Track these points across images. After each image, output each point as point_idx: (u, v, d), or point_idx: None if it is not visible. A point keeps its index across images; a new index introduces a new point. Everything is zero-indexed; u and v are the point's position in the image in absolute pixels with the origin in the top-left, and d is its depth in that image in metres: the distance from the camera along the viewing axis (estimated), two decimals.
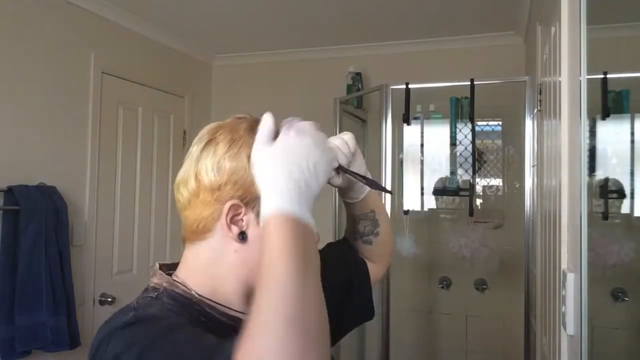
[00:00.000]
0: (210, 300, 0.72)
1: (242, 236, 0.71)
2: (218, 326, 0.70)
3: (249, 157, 0.70)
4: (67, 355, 2.13)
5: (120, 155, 2.66)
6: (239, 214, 0.71)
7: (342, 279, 0.95)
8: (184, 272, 0.75)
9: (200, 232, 0.73)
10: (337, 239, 1.04)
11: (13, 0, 2.13)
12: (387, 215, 1.00)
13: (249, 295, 0.75)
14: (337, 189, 0.90)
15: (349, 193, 0.92)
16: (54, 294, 2.06)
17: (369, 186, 0.89)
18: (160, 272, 0.77)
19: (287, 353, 0.50)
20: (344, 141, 0.87)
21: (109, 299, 2.52)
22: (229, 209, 0.70)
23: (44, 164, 2.24)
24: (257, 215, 0.71)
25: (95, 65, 2.51)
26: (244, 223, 0.72)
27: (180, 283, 0.74)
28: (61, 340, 2.06)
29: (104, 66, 2.56)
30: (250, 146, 0.71)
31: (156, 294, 0.72)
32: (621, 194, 1.86)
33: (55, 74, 2.31)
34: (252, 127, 0.73)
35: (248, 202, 0.71)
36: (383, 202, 0.99)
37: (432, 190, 2.56)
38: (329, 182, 0.84)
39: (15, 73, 2.14)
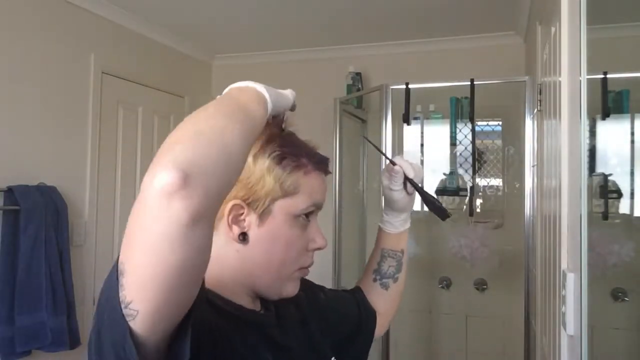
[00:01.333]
0: (217, 293, 0.73)
1: (243, 237, 0.71)
2: (224, 315, 0.70)
3: (254, 156, 0.70)
4: (67, 355, 2.13)
5: (120, 155, 2.66)
6: (241, 214, 0.71)
7: (351, 324, 0.95)
8: None
9: None
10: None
11: (13, 0, 2.13)
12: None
13: (253, 295, 0.76)
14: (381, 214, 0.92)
15: (394, 218, 0.92)
16: (54, 294, 2.06)
17: (428, 204, 0.89)
18: None
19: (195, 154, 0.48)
20: (409, 163, 0.89)
21: None
22: (231, 209, 0.70)
23: (44, 164, 2.24)
24: (260, 216, 0.71)
25: (95, 65, 2.51)
26: (245, 224, 0.71)
27: None
28: (61, 340, 2.06)
29: (104, 66, 2.56)
30: (256, 146, 0.70)
31: None
32: (619, 194, 1.86)
33: (55, 74, 2.31)
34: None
35: (250, 203, 0.70)
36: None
37: (433, 190, 2.56)
38: (390, 192, 0.87)
39: (15, 73, 2.14)
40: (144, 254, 0.48)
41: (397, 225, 0.91)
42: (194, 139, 0.50)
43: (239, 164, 0.54)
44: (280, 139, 0.73)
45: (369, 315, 0.96)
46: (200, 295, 0.55)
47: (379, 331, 0.99)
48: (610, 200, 1.86)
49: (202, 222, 0.48)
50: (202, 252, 0.50)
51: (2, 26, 2.09)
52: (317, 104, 2.89)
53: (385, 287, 0.96)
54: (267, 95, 0.65)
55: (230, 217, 0.71)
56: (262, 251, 0.72)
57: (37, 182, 2.15)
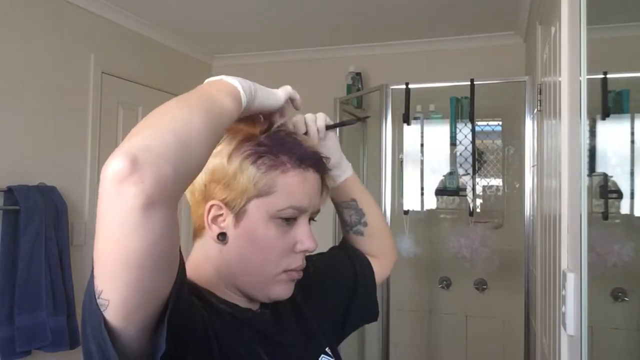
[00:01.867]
0: (211, 291, 0.73)
1: (222, 237, 0.71)
2: (218, 314, 0.70)
3: (229, 156, 0.69)
4: (67, 355, 2.13)
5: None
6: (221, 215, 0.71)
7: (348, 278, 0.94)
8: (189, 270, 0.76)
9: (198, 229, 0.74)
10: (336, 244, 1.04)
11: (13, 0, 2.13)
12: (376, 206, 0.98)
13: (244, 295, 0.75)
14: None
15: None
16: (54, 294, 2.06)
17: (345, 125, 0.98)
18: None
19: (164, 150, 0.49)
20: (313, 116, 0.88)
21: None
22: (209, 210, 0.70)
23: (44, 164, 2.24)
24: (235, 216, 0.70)
25: (95, 65, 2.51)
26: (224, 224, 0.71)
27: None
28: (61, 340, 2.06)
29: (104, 66, 2.56)
30: (232, 144, 0.70)
31: None
32: (619, 194, 1.86)
33: (55, 74, 2.31)
34: (243, 125, 0.73)
35: (227, 203, 0.70)
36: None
37: (434, 190, 2.56)
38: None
39: (15, 73, 2.14)
40: (105, 242, 0.49)
41: (335, 178, 0.89)
42: (150, 127, 0.51)
43: (200, 152, 0.54)
44: (262, 138, 0.71)
45: (362, 262, 0.96)
46: (179, 287, 0.55)
47: (381, 274, 0.98)
48: (610, 200, 1.86)
49: (158, 206, 0.47)
50: (164, 237, 0.49)
51: (2, 26, 2.09)
52: (317, 104, 2.87)
53: (359, 233, 0.95)
54: (239, 88, 0.65)
55: (210, 218, 0.71)
56: (240, 251, 0.71)
57: (37, 182, 2.15)
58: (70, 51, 2.39)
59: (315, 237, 0.74)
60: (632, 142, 1.83)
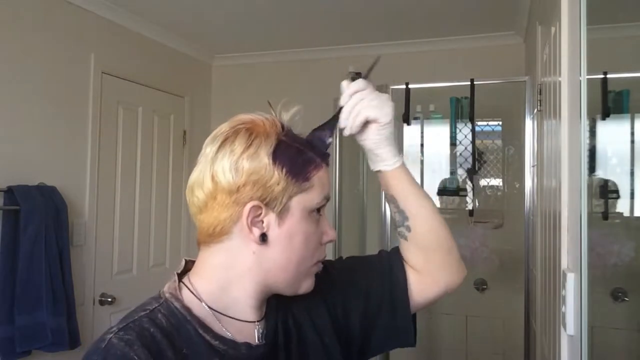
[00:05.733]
0: (213, 309, 0.72)
1: (263, 238, 0.71)
2: (204, 353, 0.69)
3: (268, 156, 0.69)
4: (67, 355, 2.13)
5: (120, 155, 2.66)
6: (259, 215, 0.70)
7: (374, 288, 0.86)
8: (196, 276, 0.75)
9: (217, 234, 0.71)
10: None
11: (13, 0, 2.13)
12: (430, 212, 0.85)
13: (261, 298, 0.75)
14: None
15: (370, 157, 0.90)
16: (54, 294, 2.06)
17: (374, 66, 0.89)
18: (175, 276, 0.75)
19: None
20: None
21: (109, 299, 2.52)
22: (250, 211, 0.69)
23: (44, 164, 2.24)
24: (278, 215, 0.71)
25: (95, 65, 2.51)
26: (264, 224, 0.71)
27: (189, 288, 0.73)
28: (61, 340, 2.06)
29: (104, 66, 2.56)
30: (269, 144, 0.70)
31: (155, 306, 0.71)
32: (618, 195, 1.86)
33: (55, 74, 2.31)
34: (267, 125, 0.72)
35: (268, 203, 0.70)
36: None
37: (434, 190, 2.56)
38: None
39: (15, 73, 2.14)
40: None
41: (374, 164, 0.89)
42: None
43: None
44: (285, 136, 0.73)
45: (394, 275, 0.86)
46: None
47: (422, 295, 0.87)
48: (610, 200, 1.86)
49: None
50: None
51: (2, 26, 2.09)
52: (317, 104, 2.89)
53: (403, 236, 0.86)
54: None
55: (250, 219, 0.69)
56: (282, 249, 0.72)
57: (37, 182, 2.15)
58: (70, 51, 2.39)
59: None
60: (632, 142, 1.83)
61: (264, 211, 0.70)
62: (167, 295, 0.73)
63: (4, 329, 1.95)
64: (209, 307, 0.72)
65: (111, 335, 0.66)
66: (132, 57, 2.77)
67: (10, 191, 2.02)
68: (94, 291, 2.48)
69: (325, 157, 0.77)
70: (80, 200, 2.42)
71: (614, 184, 1.88)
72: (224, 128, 0.74)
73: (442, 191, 2.56)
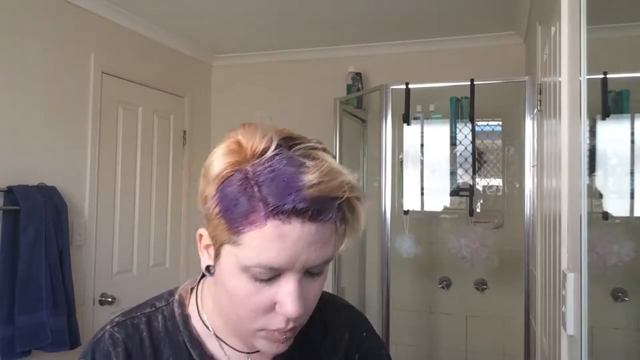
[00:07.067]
0: (207, 326, 0.70)
1: (208, 269, 0.64)
2: None
3: (216, 187, 0.58)
4: (67, 355, 2.13)
5: (120, 155, 2.66)
6: (209, 245, 0.62)
7: None
8: (210, 283, 0.70)
9: None
10: None
11: (13, 0, 2.13)
12: None
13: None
14: None
15: None
16: (54, 294, 2.06)
17: None
18: (199, 276, 0.73)
19: None
20: None
21: (109, 299, 2.52)
22: (198, 237, 0.64)
23: (44, 164, 2.24)
24: (215, 255, 0.61)
25: (95, 65, 2.51)
26: (210, 257, 0.63)
27: (197, 295, 0.72)
28: (61, 340, 2.06)
29: (104, 66, 2.56)
30: (217, 171, 0.58)
31: (161, 305, 0.72)
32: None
33: (55, 74, 2.31)
34: (249, 147, 0.58)
35: (212, 237, 0.61)
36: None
37: (434, 190, 2.56)
38: None
39: (15, 73, 2.14)
40: None
41: None
42: None
43: None
44: (254, 165, 0.57)
45: None
46: None
47: None
48: (610, 200, 1.86)
49: None
50: None
51: (2, 26, 2.09)
52: (317, 104, 2.89)
53: None
54: None
55: (200, 245, 0.64)
56: (220, 291, 0.64)
57: (37, 182, 2.15)
58: (70, 51, 2.39)
59: (309, 299, 0.60)
60: (632, 142, 1.83)
61: (210, 243, 0.62)
62: (176, 296, 0.73)
63: (4, 329, 1.95)
64: (203, 322, 0.70)
65: (109, 327, 0.69)
66: (132, 57, 2.77)
67: (10, 191, 2.02)
68: (94, 291, 2.48)
69: (280, 214, 0.54)
70: (80, 200, 2.42)
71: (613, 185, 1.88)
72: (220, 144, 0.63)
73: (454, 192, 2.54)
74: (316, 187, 0.54)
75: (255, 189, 0.55)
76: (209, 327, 0.69)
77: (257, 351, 0.68)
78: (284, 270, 0.57)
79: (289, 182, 0.54)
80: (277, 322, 0.59)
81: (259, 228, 0.55)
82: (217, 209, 0.57)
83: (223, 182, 0.57)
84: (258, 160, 0.57)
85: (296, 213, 0.54)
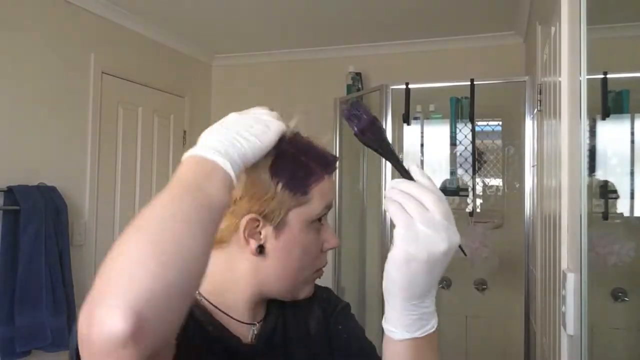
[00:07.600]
0: (212, 304, 0.72)
1: (260, 249, 0.70)
2: (200, 334, 0.69)
3: (266, 169, 0.68)
4: (67, 355, 2.13)
5: (120, 155, 2.66)
6: (257, 227, 0.70)
7: None
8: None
9: (217, 242, 0.71)
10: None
11: (13, 0, 2.13)
12: None
13: (255, 304, 0.75)
14: None
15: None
16: (54, 294, 2.06)
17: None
18: None
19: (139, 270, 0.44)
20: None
21: None
22: (247, 224, 0.69)
23: (44, 164, 2.24)
24: (276, 228, 0.70)
25: (95, 65, 2.51)
26: (262, 236, 0.70)
27: None
28: (61, 340, 2.06)
29: (104, 66, 2.56)
30: (268, 156, 0.65)
31: None
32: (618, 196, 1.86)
33: (55, 74, 2.31)
34: None
35: (266, 216, 0.69)
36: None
37: (444, 191, 2.56)
38: None
39: (15, 73, 2.14)
40: None
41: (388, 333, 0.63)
42: (151, 261, 0.44)
43: (197, 283, 0.49)
44: (286, 145, 0.68)
45: None
46: None
47: None
48: (610, 200, 1.86)
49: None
50: None
51: (2, 26, 2.09)
52: (317, 104, 2.89)
53: None
54: (232, 175, 0.57)
55: (247, 232, 0.69)
56: (279, 261, 0.71)
57: (37, 182, 2.15)
58: (70, 51, 2.39)
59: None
60: (632, 142, 1.83)
61: (261, 223, 0.69)
62: None
63: (4, 329, 1.95)
64: (208, 302, 0.72)
65: None
66: (132, 57, 2.77)
67: (10, 191, 2.02)
68: None
69: (327, 167, 0.73)
70: (80, 200, 2.42)
71: (613, 185, 1.88)
72: None
73: (442, 191, 2.55)
74: (327, 150, 0.75)
75: (303, 158, 0.71)
76: (214, 304, 0.72)
77: (262, 321, 0.77)
78: (330, 209, 0.75)
79: (318, 149, 0.73)
80: (324, 260, 0.77)
81: (320, 182, 0.72)
82: (279, 185, 0.68)
83: (272, 164, 0.68)
84: (287, 139, 0.69)
85: (332, 166, 0.75)
